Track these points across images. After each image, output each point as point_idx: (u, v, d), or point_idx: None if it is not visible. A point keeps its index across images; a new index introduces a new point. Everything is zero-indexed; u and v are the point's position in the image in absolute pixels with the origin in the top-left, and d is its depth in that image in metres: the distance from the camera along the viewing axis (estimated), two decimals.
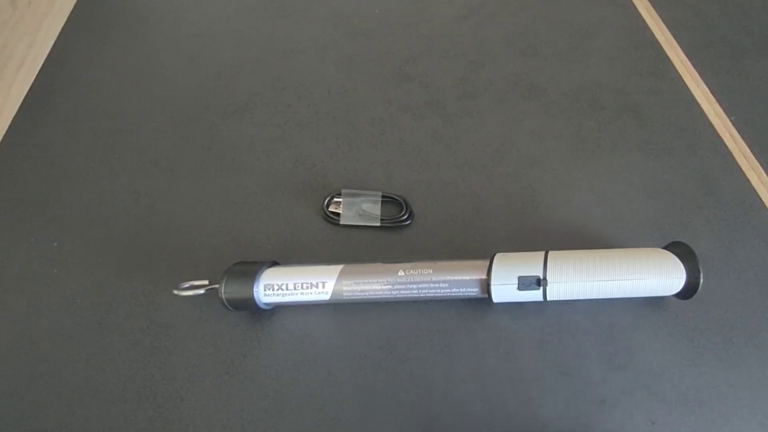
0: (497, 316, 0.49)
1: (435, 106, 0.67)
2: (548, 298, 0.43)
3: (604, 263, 0.42)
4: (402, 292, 0.44)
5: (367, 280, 0.44)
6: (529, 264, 0.43)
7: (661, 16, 0.78)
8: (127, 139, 0.64)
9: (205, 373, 0.47)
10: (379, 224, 0.55)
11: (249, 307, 0.46)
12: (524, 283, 0.42)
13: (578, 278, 0.42)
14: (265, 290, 0.44)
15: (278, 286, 0.43)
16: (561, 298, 0.44)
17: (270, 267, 0.46)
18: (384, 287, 0.44)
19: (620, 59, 0.72)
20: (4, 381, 0.47)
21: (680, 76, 0.70)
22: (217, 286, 0.46)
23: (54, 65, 0.72)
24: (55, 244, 0.55)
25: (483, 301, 0.47)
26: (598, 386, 0.46)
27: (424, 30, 0.76)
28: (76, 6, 0.80)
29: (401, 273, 0.43)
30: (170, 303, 0.51)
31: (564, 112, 0.66)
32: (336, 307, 0.50)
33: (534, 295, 0.43)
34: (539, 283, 0.42)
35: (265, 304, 0.46)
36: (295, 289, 0.43)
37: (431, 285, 0.43)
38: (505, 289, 0.43)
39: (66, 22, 0.78)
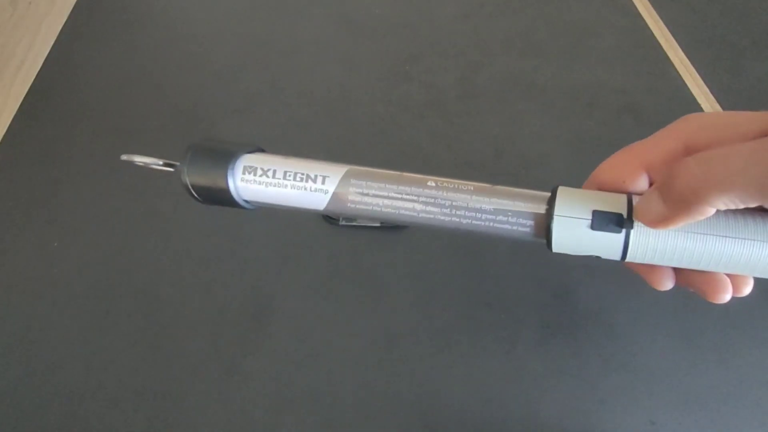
0: (497, 316, 0.49)
1: (435, 106, 0.67)
2: (630, 256, 0.28)
3: (731, 217, 0.26)
4: (429, 208, 0.32)
5: (383, 185, 0.32)
6: (608, 200, 0.29)
7: (661, 16, 0.78)
8: (127, 139, 0.64)
9: (205, 373, 0.47)
10: (378, 224, 0.55)
11: (222, 197, 0.33)
12: (601, 221, 0.28)
13: (687, 229, 0.26)
14: (244, 174, 0.33)
15: (262, 171, 0.33)
16: (651, 260, 0.28)
17: (254, 152, 0.35)
18: (405, 199, 0.32)
19: (620, 59, 0.72)
20: (4, 381, 0.47)
21: (680, 76, 0.70)
22: (179, 164, 0.33)
23: (54, 65, 0.72)
24: (55, 244, 0.55)
25: (483, 299, 0.47)
26: (598, 386, 0.46)
27: (424, 30, 0.76)
28: (76, 6, 0.80)
29: (431, 183, 0.32)
30: (170, 303, 0.51)
31: (564, 111, 0.66)
32: (336, 306, 0.50)
33: (611, 246, 0.28)
34: (622, 223, 0.28)
35: (246, 201, 0.34)
36: (285, 178, 0.33)
37: (469, 209, 0.31)
38: (572, 226, 0.29)
39: (66, 22, 0.78)
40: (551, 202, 0.29)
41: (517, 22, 0.77)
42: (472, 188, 0.32)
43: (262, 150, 0.35)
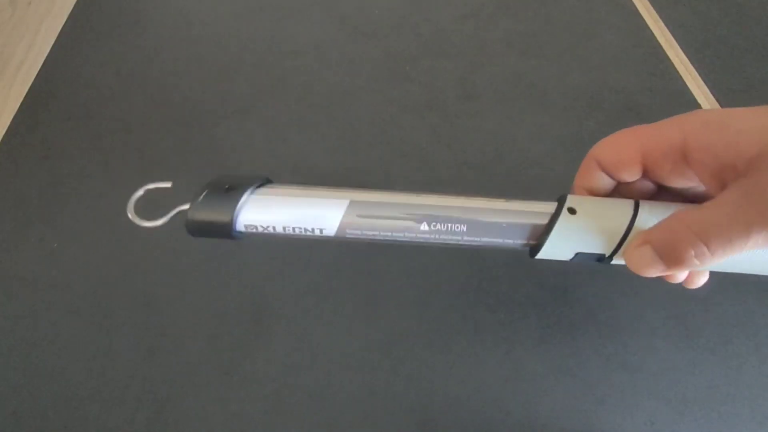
0: (497, 316, 0.49)
1: (435, 106, 0.67)
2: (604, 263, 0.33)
3: None
4: (423, 242, 0.36)
5: (376, 231, 0.36)
6: (597, 239, 0.31)
7: (661, 16, 0.78)
8: (127, 139, 0.64)
9: (205, 373, 0.47)
10: None
11: (228, 237, 0.37)
12: (582, 258, 0.32)
13: None
14: (246, 230, 0.37)
15: (263, 228, 0.37)
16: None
17: (249, 195, 0.36)
18: (400, 240, 0.36)
19: (620, 59, 0.72)
20: (4, 382, 0.47)
21: (680, 76, 0.70)
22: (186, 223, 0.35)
23: (54, 65, 0.72)
24: (55, 245, 0.55)
25: (483, 299, 0.47)
26: (598, 386, 0.46)
27: (424, 30, 0.76)
28: (76, 6, 0.80)
29: (424, 228, 0.36)
30: (170, 303, 0.51)
31: (564, 112, 0.66)
32: (335, 306, 0.50)
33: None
34: (602, 260, 0.32)
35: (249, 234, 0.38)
36: (285, 231, 0.37)
37: (462, 242, 0.35)
38: (554, 256, 0.33)
39: (66, 22, 0.78)
40: (542, 238, 0.32)
41: (517, 22, 0.77)
42: (464, 229, 0.34)
43: (268, 181, 0.36)
